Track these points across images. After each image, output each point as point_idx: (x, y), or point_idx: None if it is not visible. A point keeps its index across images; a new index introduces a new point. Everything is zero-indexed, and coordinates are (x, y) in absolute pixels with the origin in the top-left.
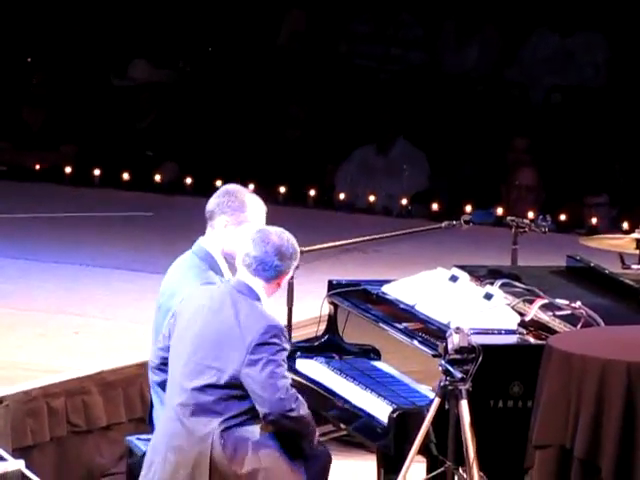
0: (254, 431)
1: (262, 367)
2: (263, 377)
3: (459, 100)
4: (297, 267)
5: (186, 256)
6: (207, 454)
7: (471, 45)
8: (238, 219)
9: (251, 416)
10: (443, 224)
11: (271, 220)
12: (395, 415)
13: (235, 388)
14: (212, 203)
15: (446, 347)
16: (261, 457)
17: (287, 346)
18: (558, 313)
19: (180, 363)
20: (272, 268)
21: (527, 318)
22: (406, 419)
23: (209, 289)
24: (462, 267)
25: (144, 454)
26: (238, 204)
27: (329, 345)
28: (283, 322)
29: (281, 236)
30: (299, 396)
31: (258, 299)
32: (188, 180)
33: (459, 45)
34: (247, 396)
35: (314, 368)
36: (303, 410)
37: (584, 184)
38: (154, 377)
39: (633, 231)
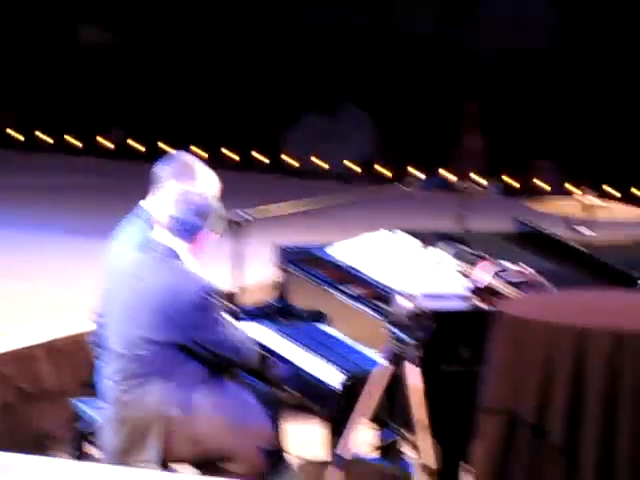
0: (203, 392)
1: (207, 329)
2: (219, 338)
3: (407, 64)
4: (243, 232)
5: (130, 221)
6: (158, 418)
7: (420, 8)
8: (186, 187)
9: (199, 378)
10: (391, 188)
11: (222, 186)
12: (344, 380)
13: (177, 351)
14: (161, 168)
15: (396, 312)
16: (213, 417)
17: (220, 301)
18: (507, 278)
19: (116, 333)
20: (189, 226)
21: (475, 283)
22: (355, 384)
23: (132, 255)
24: (410, 231)
25: (92, 418)
26: (188, 172)
27: (277, 310)
28: (231, 287)
29: (200, 194)
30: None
31: (179, 259)
32: (134, 145)
33: (407, 8)
34: (190, 359)
35: (262, 333)
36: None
37: (531, 148)
38: (99, 354)
39: (579, 194)
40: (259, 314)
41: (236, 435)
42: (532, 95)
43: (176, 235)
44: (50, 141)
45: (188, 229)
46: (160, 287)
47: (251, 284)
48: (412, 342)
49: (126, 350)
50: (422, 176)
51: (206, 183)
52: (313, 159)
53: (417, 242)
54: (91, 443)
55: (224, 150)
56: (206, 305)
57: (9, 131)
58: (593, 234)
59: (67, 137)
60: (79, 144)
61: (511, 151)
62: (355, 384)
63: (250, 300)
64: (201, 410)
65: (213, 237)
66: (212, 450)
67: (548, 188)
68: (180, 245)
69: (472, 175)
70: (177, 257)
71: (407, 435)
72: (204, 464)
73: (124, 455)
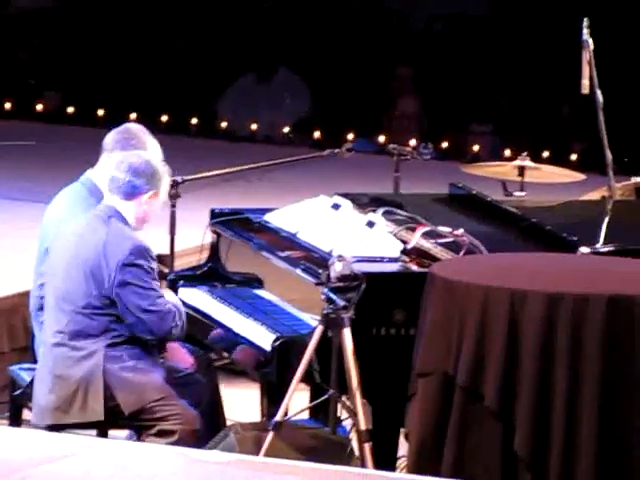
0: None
1: (133, 291)
2: (136, 302)
3: (339, 27)
4: (176, 195)
5: (73, 188)
6: (97, 373)
7: None
8: None
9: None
10: (325, 152)
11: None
12: (277, 343)
13: (112, 308)
14: (111, 138)
15: (328, 275)
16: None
17: (154, 265)
18: (440, 241)
19: (56, 293)
20: (128, 186)
21: (409, 246)
22: (289, 347)
23: (77, 216)
24: (344, 195)
25: (28, 384)
26: (133, 141)
27: (212, 274)
28: (165, 251)
29: (140, 155)
30: (175, 309)
31: (125, 222)
32: (70, 109)
33: None
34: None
35: (197, 297)
36: (181, 321)
37: (466, 113)
38: (37, 317)
39: (515, 159)
40: (193, 278)
41: (171, 393)
42: (469, 60)
43: (116, 194)
44: None
45: (127, 189)
46: (95, 244)
47: (184, 248)
48: (344, 304)
49: (66, 307)
50: (355, 140)
51: (151, 152)
52: (247, 123)
53: (353, 206)
54: (28, 409)
55: (159, 115)
56: (135, 265)
57: None
58: (523, 194)
59: (3, 102)
60: (13, 108)
61: (448, 116)
62: (288, 347)
63: (183, 264)
64: (138, 368)
65: (157, 201)
66: (147, 408)
67: (483, 152)
68: (124, 206)
69: (408, 140)
70: (122, 218)
71: (340, 397)
72: (140, 427)
73: (62, 415)
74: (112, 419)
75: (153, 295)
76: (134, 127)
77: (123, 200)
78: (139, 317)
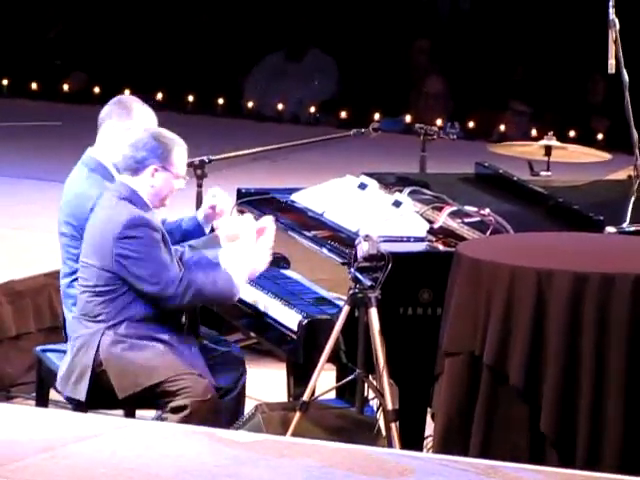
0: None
1: (132, 263)
2: (136, 273)
3: (368, 8)
4: (203, 175)
5: (76, 170)
6: (93, 349)
7: None
8: (124, 125)
9: (150, 317)
10: (352, 132)
11: (180, 129)
12: (304, 323)
13: (117, 285)
14: (102, 112)
15: (355, 255)
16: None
17: (156, 235)
18: (467, 220)
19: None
20: (130, 161)
21: (436, 225)
22: (315, 327)
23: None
24: (371, 175)
25: (53, 364)
26: (125, 111)
27: None
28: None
29: (145, 130)
30: (182, 278)
31: (141, 200)
32: (96, 89)
33: None
34: (138, 297)
35: None
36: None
37: (493, 91)
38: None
39: (542, 138)
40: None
41: (177, 369)
42: (495, 38)
43: (123, 171)
44: (10, 85)
45: (130, 164)
46: (100, 218)
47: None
48: (371, 284)
49: (83, 283)
50: (382, 119)
51: (144, 120)
52: (274, 103)
53: (379, 186)
54: (55, 389)
55: (186, 95)
56: (130, 237)
57: None
58: (549, 173)
59: (30, 82)
60: (39, 88)
61: (475, 95)
62: (315, 327)
63: None
64: (147, 344)
65: (168, 176)
66: (148, 389)
67: (512, 132)
68: (134, 183)
69: (434, 119)
70: (137, 197)
71: (367, 377)
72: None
73: (63, 385)
74: (110, 401)
75: (152, 264)
76: (122, 97)
77: (131, 176)
78: (141, 288)
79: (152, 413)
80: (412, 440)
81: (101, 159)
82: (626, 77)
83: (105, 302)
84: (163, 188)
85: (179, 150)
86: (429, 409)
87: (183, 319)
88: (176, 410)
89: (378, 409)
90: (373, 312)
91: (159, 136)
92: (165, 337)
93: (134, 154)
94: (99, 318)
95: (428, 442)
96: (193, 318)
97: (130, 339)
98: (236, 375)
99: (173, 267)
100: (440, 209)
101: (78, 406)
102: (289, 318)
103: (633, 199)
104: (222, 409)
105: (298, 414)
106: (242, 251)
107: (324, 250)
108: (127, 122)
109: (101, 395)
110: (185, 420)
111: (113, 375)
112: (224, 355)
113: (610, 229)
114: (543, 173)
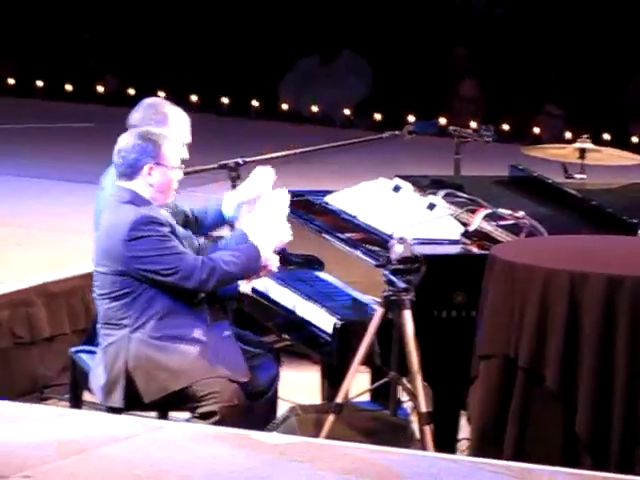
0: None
1: (149, 261)
2: (153, 268)
3: (401, 10)
4: (237, 177)
5: (110, 172)
6: (122, 355)
7: None
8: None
9: (173, 315)
10: (386, 134)
11: (214, 131)
12: (339, 325)
13: (134, 287)
14: (134, 117)
15: (389, 257)
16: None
17: (164, 229)
18: (501, 223)
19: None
20: (124, 167)
21: (470, 228)
22: (349, 329)
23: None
24: (405, 177)
25: (87, 366)
26: (160, 116)
27: None
28: (225, 233)
29: (127, 134)
30: (205, 259)
31: (144, 200)
32: (130, 91)
33: None
34: (160, 296)
35: (257, 279)
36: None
37: (528, 94)
38: None
39: (576, 141)
40: None
41: (204, 371)
42: (529, 42)
43: (121, 178)
44: (44, 87)
45: (125, 170)
46: (106, 224)
47: None
48: (405, 287)
49: (99, 291)
50: (416, 122)
51: (179, 125)
52: (308, 105)
53: (414, 188)
54: (89, 390)
55: (220, 97)
56: (138, 238)
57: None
58: (584, 176)
59: (64, 84)
60: (73, 90)
61: (510, 98)
62: (349, 329)
63: None
64: (176, 347)
65: (165, 170)
66: (178, 393)
67: (546, 134)
68: (134, 186)
69: (469, 122)
70: (139, 198)
71: (401, 380)
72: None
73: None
74: (139, 405)
75: (168, 257)
76: (154, 101)
77: (129, 181)
78: (163, 282)
79: (186, 414)
80: (446, 443)
81: None
82: None
83: (125, 305)
84: (163, 183)
85: (168, 142)
86: (463, 412)
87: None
88: (205, 416)
89: (412, 412)
90: (407, 314)
91: (145, 134)
92: (194, 334)
93: (125, 160)
94: (123, 322)
95: (462, 445)
96: (223, 305)
97: (158, 340)
98: (270, 377)
99: (189, 255)
100: (474, 212)
101: (112, 409)
102: (323, 320)
103: None
104: (253, 412)
105: (332, 416)
106: (266, 222)
107: (358, 252)
108: (164, 129)
109: (134, 397)
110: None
111: (140, 379)
112: (258, 356)
113: None
114: (577, 176)
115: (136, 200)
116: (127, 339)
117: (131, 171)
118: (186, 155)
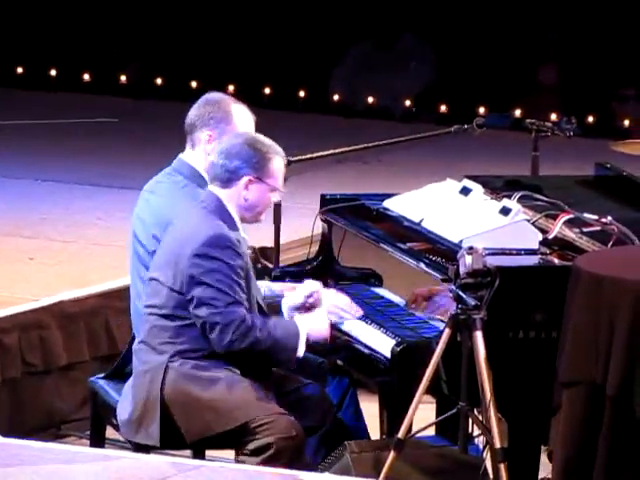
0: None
1: (202, 288)
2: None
3: None
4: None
5: (167, 176)
6: (155, 391)
7: None
8: (223, 132)
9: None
10: (453, 128)
11: (256, 126)
12: (399, 349)
13: (184, 313)
14: (192, 115)
15: (457, 270)
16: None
17: (239, 261)
18: (586, 230)
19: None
20: (222, 171)
21: (550, 236)
22: (412, 353)
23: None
24: (475, 178)
25: (111, 398)
26: (222, 115)
27: (323, 269)
28: (269, 243)
29: (237, 135)
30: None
31: (228, 214)
32: (158, 81)
33: None
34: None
35: None
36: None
37: (613, 83)
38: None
39: None
40: (301, 274)
41: (255, 402)
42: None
43: (214, 182)
44: (59, 77)
45: (222, 175)
46: (180, 231)
47: (291, 240)
48: (476, 304)
49: (149, 301)
50: (488, 114)
51: (244, 124)
52: (364, 96)
53: (485, 190)
54: (113, 426)
55: (262, 87)
56: (207, 257)
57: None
58: None
59: (82, 73)
60: (92, 80)
61: (594, 87)
62: (411, 353)
63: (290, 258)
64: (221, 383)
65: (263, 188)
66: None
67: (637, 128)
68: (225, 195)
69: (548, 114)
70: (224, 211)
71: (472, 411)
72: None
73: (128, 432)
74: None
75: (221, 299)
76: (215, 96)
77: (221, 188)
78: (202, 322)
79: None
80: None
81: (196, 166)
82: None
83: (175, 329)
84: (258, 202)
85: (277, 159)
86: (544, 447)
87: None
88: (258, 451)
89: (484, 448)
90: (478, 336)
91: (255, 143)
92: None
93: (226, 162)
94: (164, 348)
95: None
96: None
97: (199, 371)
98: (319, 411)
99: (242, 306)
100: (555, 217)
101: (140, 446)
102: (381, 343)
103: None
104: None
105: (392, 454)
106: (315, 315)
107: (421, 264)
108: (225, 128)
109: (168, 435)
110: (268, 462)
111: (179, 416)
112: (306, 386)
113: None
114: None
115: (222, 214)
116: (164, 367)
117: (228, 177)
118: None
